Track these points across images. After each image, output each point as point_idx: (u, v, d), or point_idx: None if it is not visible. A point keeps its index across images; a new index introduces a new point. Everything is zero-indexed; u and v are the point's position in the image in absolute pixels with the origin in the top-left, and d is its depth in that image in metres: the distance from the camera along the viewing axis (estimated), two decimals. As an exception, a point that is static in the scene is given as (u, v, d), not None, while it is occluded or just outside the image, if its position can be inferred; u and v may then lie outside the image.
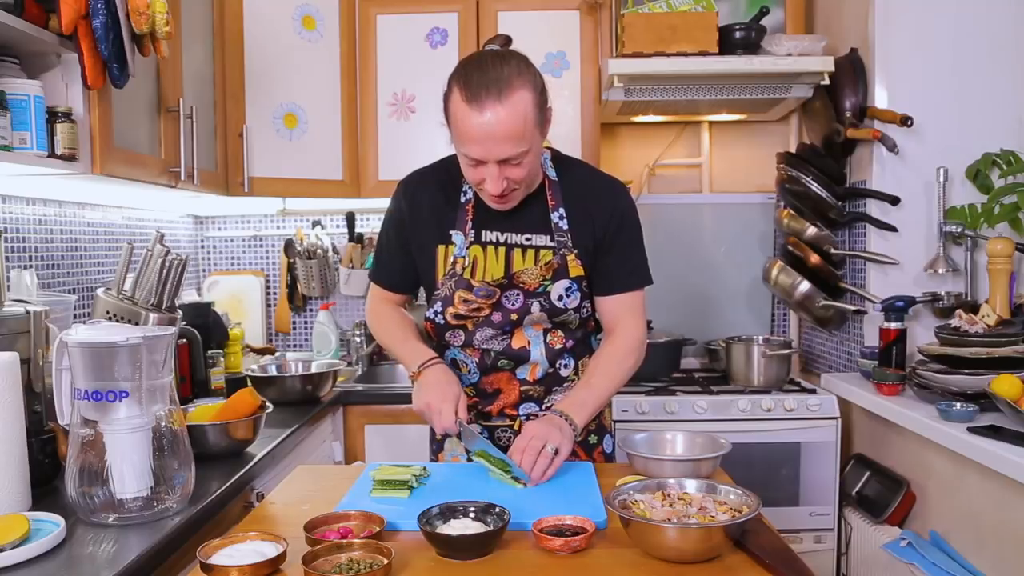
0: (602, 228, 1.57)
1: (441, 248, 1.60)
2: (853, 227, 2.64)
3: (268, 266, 3.23)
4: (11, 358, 1.35)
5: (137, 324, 1.72)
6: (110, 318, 1.74)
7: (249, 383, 2.26)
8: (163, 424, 1.37)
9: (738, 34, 2.60)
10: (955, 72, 2.43)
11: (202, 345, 2.30)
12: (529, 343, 1.60)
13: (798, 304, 2.69)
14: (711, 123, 3.13)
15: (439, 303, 1.59)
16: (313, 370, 2.46)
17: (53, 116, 1.63)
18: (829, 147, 2.64)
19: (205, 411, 1.80)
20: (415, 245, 1.63)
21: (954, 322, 2.16)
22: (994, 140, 2.39)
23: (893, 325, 2.35)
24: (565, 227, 1.57)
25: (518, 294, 1.56)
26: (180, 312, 1.86)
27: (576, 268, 1.57)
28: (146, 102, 1.99)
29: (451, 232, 1.59)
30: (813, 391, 2.58)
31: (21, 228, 2.04)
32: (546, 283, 1.56)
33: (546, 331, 1.61)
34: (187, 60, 2.20)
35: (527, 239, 1.58)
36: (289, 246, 3.16)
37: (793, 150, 2.91)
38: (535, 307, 1.56)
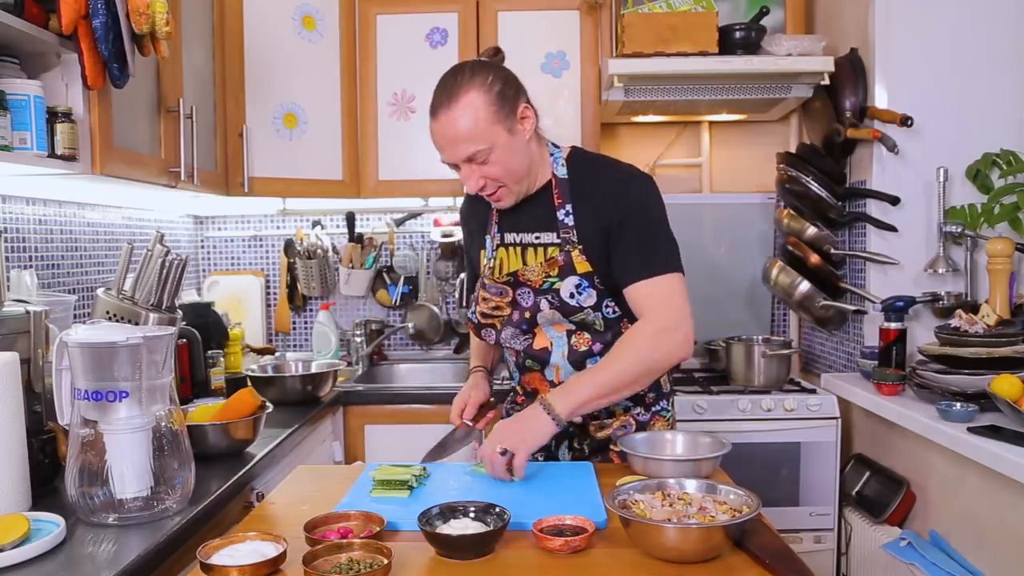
0: (607, 220, 1.55)
1: (483, 253, 1.70)
2: (853, 227, 2.64)
3: (268, 266, 3.23)
4: (11, 358, 1.35)
5: (137, 324, 1.72)
6: (110, 318, 1.74)
7: (249, 383, 2.26)
8: (163, 424, 1.37)
9: (738, 34, 2.60)
10: (955, 72, 2.43)
11: (202, 345, 2.30)
12: (551, 344, 1.61)
13: (798, 304, 2.69)
14: (711, 123, 3.13)
15: (473, 303, 1.70)
16: (313, 370, 2.46)
17: (53, 116, 1.63)
18: (829, 147, 2.64)
19: (205, 411, 1.80)
20: (473, 256, 1.77)
21: (954, 322, 2.16)
22: (994, 140, 2.39)
23: (893, 325, 2.35)
24: (570, 223, 1.58)
25: (528, 292, 1.59)
26: (180, 312, 1.86)
27: (583, 264, 1.56)
28: (146, 102, 1.99)
29: (485, 238, 1.69)
30: (813, 391, 2.58)
31: (21, 228, 2.04)
32: (552, 280, 1.57)
33: (570, 333, 1.60)
34: (187, 60, 2.20)
35: (536, 238, 1.61)
36: (289, 246, 3.16)
37: (793, 150, 2.91)
38: (544, 304, 1.58)
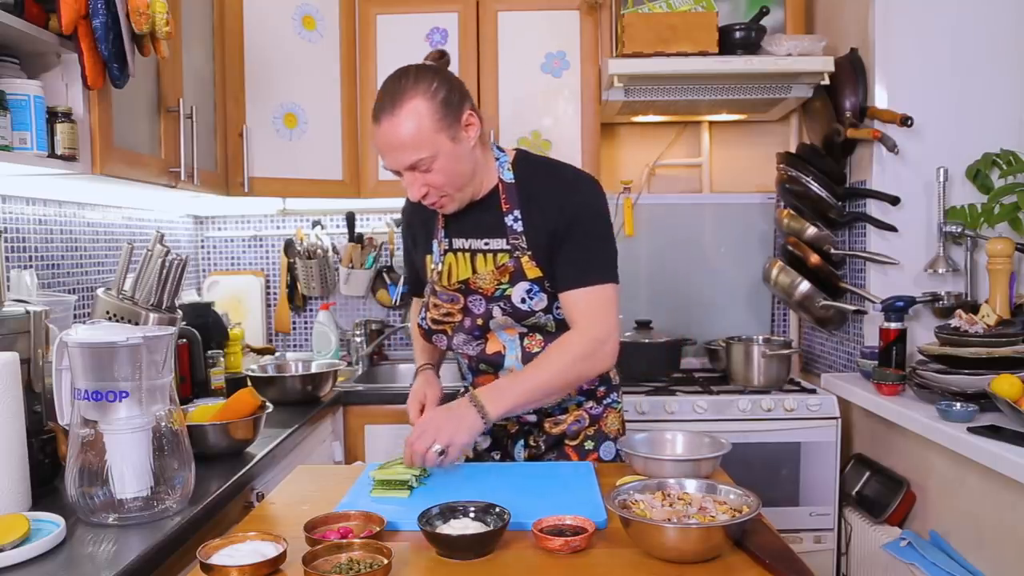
0: (554, 224, 1.54)
1: (428, 258, 1.68)
2: (853, 227, 2.64)
3: (268, 266, 3.23)
4: (11, 358, 1.35)
5: (137, 324, 1.72)
6: (110, 318, 1.74)
7: (249, 383, 2.26)
8: (163, 424, 1.37)
9: (738, 34, 2.60)
10: (955, 72, 2.43)
11: (202, 345, 2.30)
12: (504, 348, 1.61)
13: (798, 304, 2.69)
14: (711, 123, 3.13)
15: (423, 309, 1.68)
16: (313, 370, 2.46)
17: (53, 116, 1.63)
18: (829, 147, 2.64)
19: (205, 411, 1.80)
20: (416, 259, 1.75)
21: (954, 322, 2.16)
22: (994, 140, 2.39)
23: (893, 325, 2.35)
24: (519, 229, 1.56)
25: (480, 299, 1.58)
26: (180, 312, 1.86)
27: (533, 270, 1.55)
28: (146, 102, 1.99)
29: (432, 242, 1.66)
30: (813, 391, 2.58)
31: (21, 228, 2.04)
32: (503, 287, 1.56)
33: (522, 335, 1.61)
34: (187, 60, 2.20)
35: (486, 244, 1.60)
36: (289, 246, 3.16)
37: (793, 150, 2.91)
38: (496, 311, 1.57)
